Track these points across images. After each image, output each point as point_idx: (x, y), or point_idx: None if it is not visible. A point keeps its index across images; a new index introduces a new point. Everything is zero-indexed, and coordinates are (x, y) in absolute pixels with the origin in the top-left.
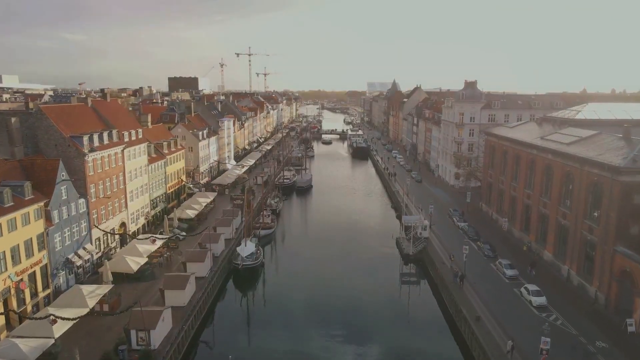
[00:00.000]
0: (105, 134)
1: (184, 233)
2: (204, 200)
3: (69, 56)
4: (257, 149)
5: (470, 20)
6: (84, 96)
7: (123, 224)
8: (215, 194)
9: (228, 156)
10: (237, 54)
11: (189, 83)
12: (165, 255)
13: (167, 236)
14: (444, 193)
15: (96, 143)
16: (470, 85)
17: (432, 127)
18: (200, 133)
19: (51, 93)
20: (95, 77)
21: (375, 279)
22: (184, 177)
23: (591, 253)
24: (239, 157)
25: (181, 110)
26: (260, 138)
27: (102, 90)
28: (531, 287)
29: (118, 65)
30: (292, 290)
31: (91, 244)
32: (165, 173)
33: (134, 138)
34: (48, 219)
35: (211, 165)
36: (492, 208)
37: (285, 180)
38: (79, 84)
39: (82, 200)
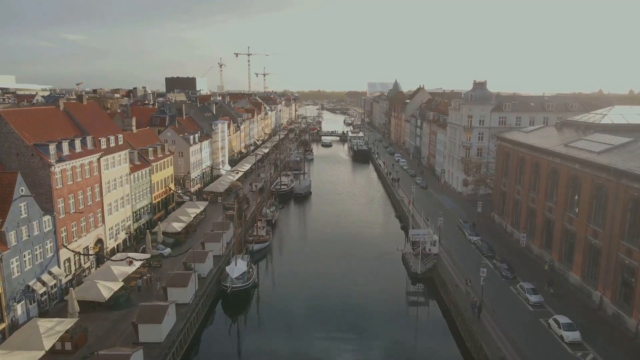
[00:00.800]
0: (77, 141)
1: (168, 249)
2: (193, 210)
3: (69, 56)
4: (254, 153)
5: (470, 20)
6: (74, 96)
7: (99, 241)
8: (207, 203)
9: (222, 161)
10: (236, 54)
11: (187, 83)
12: (145, 277)
13: (147, 256)
14: (451, 201)
15: (66, 152)
16: (480, 86)
17: (438, 129)
18: (192, 137)
19: (46, 93)
20: (97, 77)
21: (380, 300)
22: (172, 185)
23: (630, 279)
24: (234, 162)
25: (172, 112)
26: (258, 140)
27: (94, 91)
28: (562, 319)
29: (119, 66)
30: (287, 314)
31: (59, 266)
32: (151, 182)
33: (113, 145)
34: (2, 242)
35: (204, 171)
36: (506, 220)
37: (282, 187)
38: (77, 84)
39: (47, 218)
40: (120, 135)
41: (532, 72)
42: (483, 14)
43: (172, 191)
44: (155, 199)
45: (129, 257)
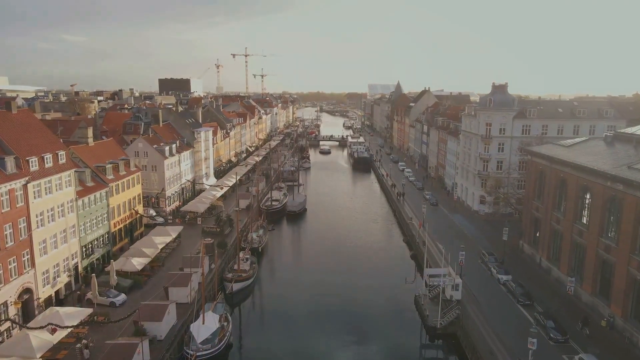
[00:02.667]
0: None
1: (122, 296)
2: (162, 240)
3: (69, 58)
4: (245, 161)
5: (471, 20)
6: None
7: (27, 291)
8: (181, 227)
9: (206, 173)
10: (233, 55)
11: (181, 85)
12: (80, 344)
13: (85, 313)
14: (467, 223)
15: None
16: (500, 89)
17: (448, 137)
18: (167, 148)
19: (30, 95)
20: (98, 78)
21: None
22: (140, 207)
23: None
24: (222, 172)
25: (148, 119)
26: (251, 147)
27: (77, 93)
28: None
29: (121, 67)
30: None
31: None
32: (109, 206)
33: (50, 165)
34: None
35: (183, 186)
36: (540, 252)
37: (273, 203)
38: (71, 85)
39: None
40: (62, 152)
41: (533, 74)
42: (483, 14)
43: (139, 214)
44: (115, 226)
45: (51, 325)
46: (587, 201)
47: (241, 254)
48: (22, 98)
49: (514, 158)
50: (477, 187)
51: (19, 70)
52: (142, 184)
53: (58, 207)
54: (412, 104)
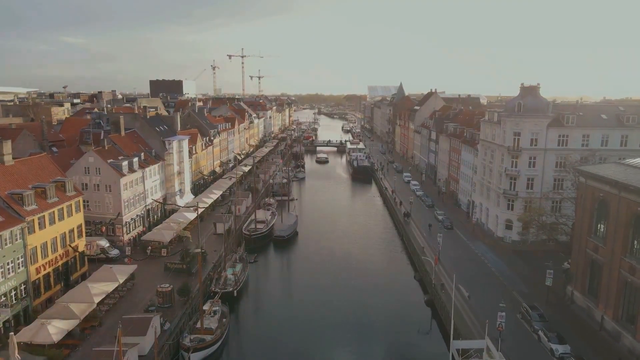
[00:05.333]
0: None
1: None
2: (103, 287)
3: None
4: (231, 173)
5: (472, 21)
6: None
7: None
8: (134, 267)
9: (180, 190)
10: (229, 56)
11: (173, 87)
12: None
13: None
14: (493, 254)
15: None
16: (530, 92)
17: (462, 147)
18: (126, 163)
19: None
20: (100, 80)
21: None
22: (81, 242)
23: None
24: (204, 186)
25: (110, 125)
26: (240, 155)
27: (51, 96)
28: None
29: (121, 69)
30: None
31: None
32: (26, 247)
33: None
34: None
35: (149, 207)
36: (601, 306)
37: (258, 227)
38: (63, 87)
39: None
40: None
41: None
42: (484, 13)
43: (76, 253)
44: (40, 272)
45: None
46: None
47: (207, 305)
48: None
49: (548, 175)
50: (502, 209)
51: (19, 71)
52: (94, 208)
53: None
54: (416, 107)
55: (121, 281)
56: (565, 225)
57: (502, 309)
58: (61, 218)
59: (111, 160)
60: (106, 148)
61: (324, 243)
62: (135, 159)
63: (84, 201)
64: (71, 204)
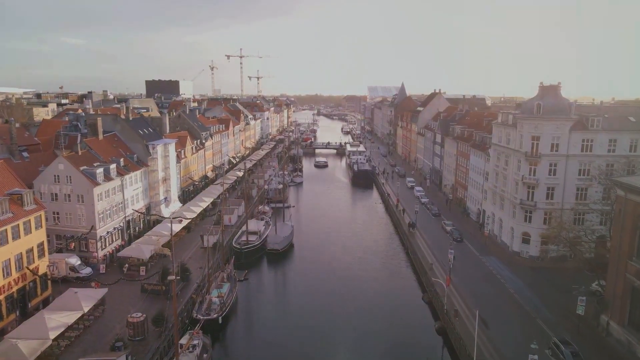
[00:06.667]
0: None
1: None
2: (64, 317)
3: (69, 60)
4: (223, 178)
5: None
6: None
7: None
8: (105, 290)
9: (166, 198)
10: (228, 56)
11: (169, 87)
12: None
13: None
14: (509, 272)
15: None
16: (551, 92)
17: (471, 151)
18: (101, 170)
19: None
20: (101, 80)
21: None
22: (43, 262)
23: None
24: (194, 192)
25: (87, 128)
26: (235, 158)
27: (38, 96)
28: None
29: (122, 69)
30: None
31: None
32: None
33: None
34: None
35: (130, 218)
36: None
37: (250, 239)
38: (59, 88)
39: None
40: None
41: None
42: (485, 14)
43: (36, 276)
44: None
45: None
46: None
47: (186, 338)
48: None
49: (571, 184)
50: (518, 220)
51: (19, 72)
52: (65, 220)
53: None
54: (419, 108)
55: (86, 310)
56: (591, 241)
57: (534, 351)
58: (16, 237)
59: (84, 167)
60: (79, 153)
61: (322, 257)
62: (113, 166)
63: (53, 213)
64: (29, 220)
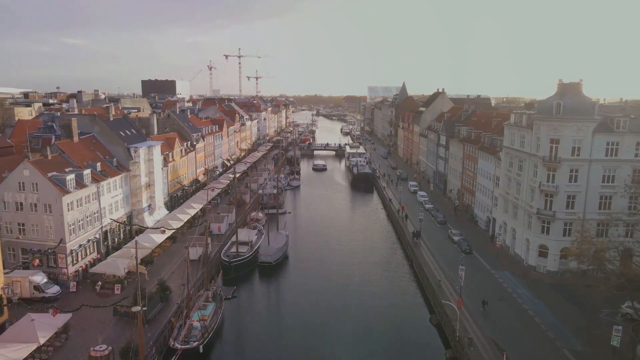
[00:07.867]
0: None
1: None
2: (15, 352)
3: (69, 60)
4: (215, 182)
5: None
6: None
7: None
8: (68, 316)
9: (150, 205)
10: (226, 56)
11: (166, 87)
12: None
13: None
14: (526, 290)
15: None
16: (571, 90)
17: (479, 154)
18: (72, 177)
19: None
20: (102, 80)
21: None
22: None
23: None
24: (183, 198)
25: (60, 130)
26: (229, 160)
27: (26, 95)
28: None
29: (119, 69)
30: None
31: None
32: None
33: None
34: None
35: (107, 228)
36: None
37: (240, 251)
38: (57, 88)
39: None
40: None
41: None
42: (486, 14)
43: None
44: None
45: None
46: None
47: None
48: None
49: (594, 191)
50: (534, 232)
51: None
52: (32, 233)
53: None
54: (422, 109)
55: (42, 341)
56: (618, 256)
57: None
58: None
59: (54, 173)
60: (49, 157)
61: (319, 270)
62: (87, 171)
63: (18, 224)
64: None
